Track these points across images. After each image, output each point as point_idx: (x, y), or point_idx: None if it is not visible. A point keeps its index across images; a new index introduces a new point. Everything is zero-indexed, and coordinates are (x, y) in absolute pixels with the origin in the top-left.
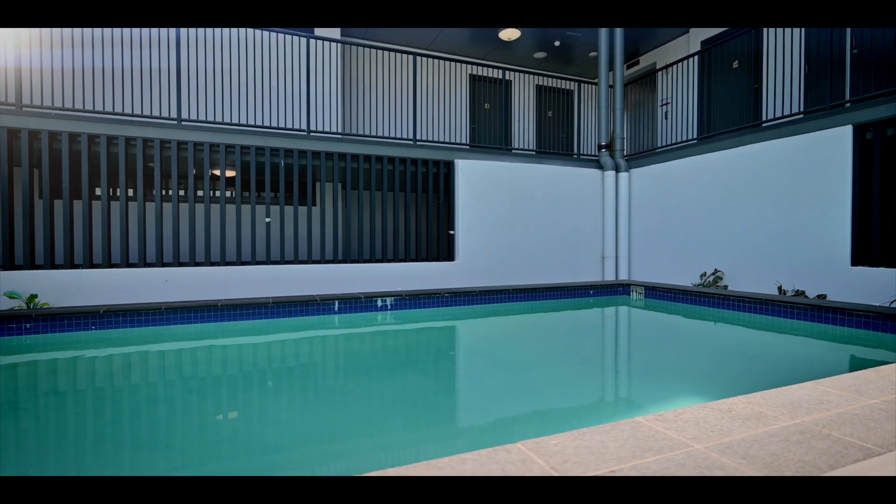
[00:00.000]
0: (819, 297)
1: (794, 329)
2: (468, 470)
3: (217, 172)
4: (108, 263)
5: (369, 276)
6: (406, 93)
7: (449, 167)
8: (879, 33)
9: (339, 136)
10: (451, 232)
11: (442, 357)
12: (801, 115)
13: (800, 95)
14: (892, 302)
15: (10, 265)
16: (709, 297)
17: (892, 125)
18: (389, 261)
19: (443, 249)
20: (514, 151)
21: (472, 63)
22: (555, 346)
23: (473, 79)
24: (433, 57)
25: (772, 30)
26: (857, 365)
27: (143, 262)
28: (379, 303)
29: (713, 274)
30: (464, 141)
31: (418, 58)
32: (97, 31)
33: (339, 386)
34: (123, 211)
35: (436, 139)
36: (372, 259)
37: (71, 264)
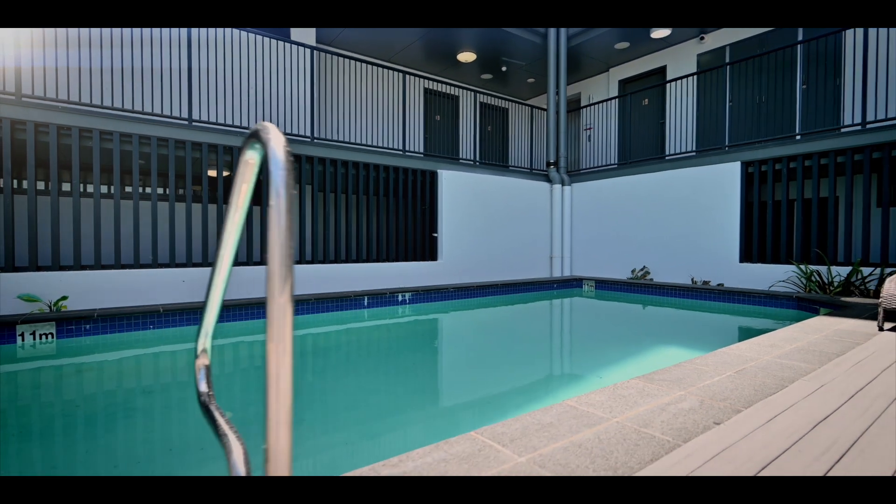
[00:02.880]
0: (719, 285)
1: (708, 307)
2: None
3: (226, 173)
4: (119, 264)
5: (367, 274)
6: (372, 102)
7: (434, 176)
8: (752, 94)
9: (337, 144)
10: (435, 235)
11: (496, 332)
12: (694, 153)
13: (693, 133)
14: (771, 287)
15: (12, 267)
16: (643, 287)
17: (764, 163)
18: (383, 261)
19: (427, 250)
20: (483, 164)
21: (428, 78)
22: (557, 324)
23: (427, 92)
24: (393, 69)
25: (670, 72)
26: (761, 326)
27: (156, 263)
28: (399, 297)
29: (642, 269)
30: (418, 149)
31: (380, 69)
32: (105, 29)
33: (461, 354)
34: (136, 210)
35: (396, 146)
36: (368, 259)
37: (79, 266)
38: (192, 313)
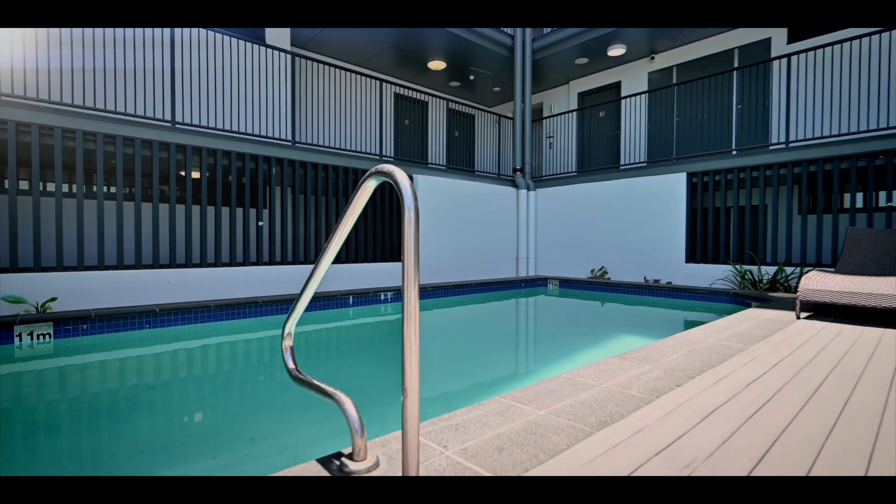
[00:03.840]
0: (668, 283)
1: (659, 303)
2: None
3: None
4: (103, 265)
5: (345, 274)
6: (347, 106)
7: (410, 181)
8: (696, 112)
9: (317, 148)
10: None
11: (477, 326)
12: (646, 163)
13: (644, 145)
14: (711, 284)
15: None
16: (602, 285)
17: (706, 174)
18: (361, 261)
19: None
20: (452, 169)
21: (401, 85)
22: (530, 318)
23: (397, 97)
24: (370, 77)
25: (624, 87)
26: (704, 317)
27: (140, 264)
28: (382, 296)
29: (600, 269)
30: (390, 153)
31: (355, 75)
32: (89, 30)
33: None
34: (119, 211)
35: (370, 150)
36: (348, 260)
37: (62, 267)
38: (187, 313)
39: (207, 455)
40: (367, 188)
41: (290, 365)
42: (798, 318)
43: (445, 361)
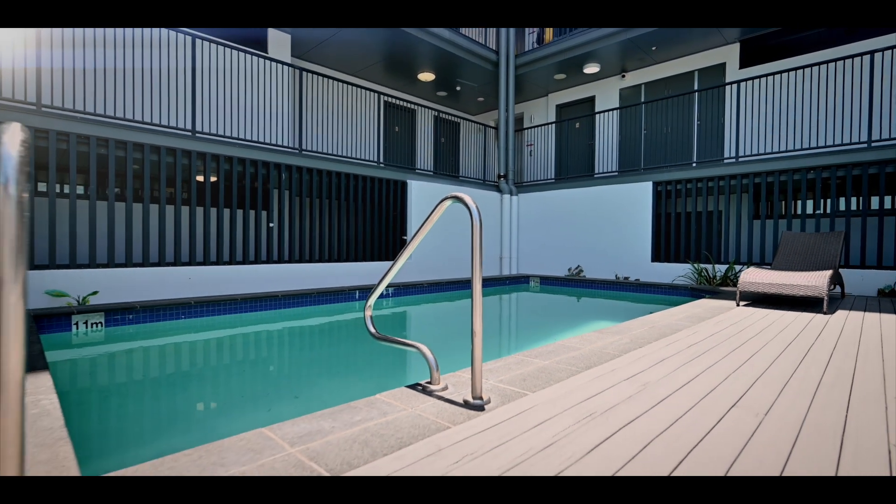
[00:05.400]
0: (636, 280)
1: (628, 297)
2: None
3: (214, 178)
4: (131, 262)
5: (346, 272)
6: (345, 115)
7: (404, 186)
8: (662, 126)
9: (322, 156)
10: (405, 237)
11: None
12: (617, 173)
13: (616, 156)
14: (673, 280)
15: (31, 265)
16: (578, 282)
17: (669, 184)
18: (361, 260)
19: (398, 251)
20: (439, 175)
21: (394, 97)
22: (519, 309)
23: (387, 105)
24: (369, 90)
25: (598, 101)
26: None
27: (163, 262)
28: (384, 291)
29: (576, 268)
30: (381, 159)
31: (349, 86)
32: (111, 39)
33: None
34: (146, 213)
35: (367, 157)
36: (348, 259)
37: (94, 264)
38: (217, 305)
39: (263, 407)
40: (443, 206)
41: (371, 329)
42: (738, 305)
43: (460, 340)
